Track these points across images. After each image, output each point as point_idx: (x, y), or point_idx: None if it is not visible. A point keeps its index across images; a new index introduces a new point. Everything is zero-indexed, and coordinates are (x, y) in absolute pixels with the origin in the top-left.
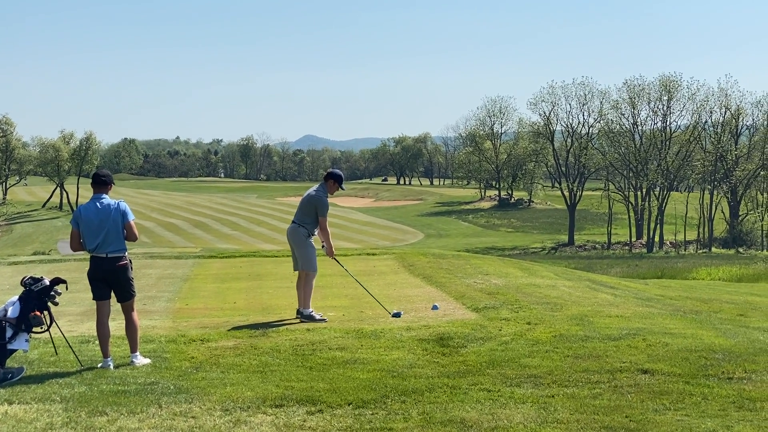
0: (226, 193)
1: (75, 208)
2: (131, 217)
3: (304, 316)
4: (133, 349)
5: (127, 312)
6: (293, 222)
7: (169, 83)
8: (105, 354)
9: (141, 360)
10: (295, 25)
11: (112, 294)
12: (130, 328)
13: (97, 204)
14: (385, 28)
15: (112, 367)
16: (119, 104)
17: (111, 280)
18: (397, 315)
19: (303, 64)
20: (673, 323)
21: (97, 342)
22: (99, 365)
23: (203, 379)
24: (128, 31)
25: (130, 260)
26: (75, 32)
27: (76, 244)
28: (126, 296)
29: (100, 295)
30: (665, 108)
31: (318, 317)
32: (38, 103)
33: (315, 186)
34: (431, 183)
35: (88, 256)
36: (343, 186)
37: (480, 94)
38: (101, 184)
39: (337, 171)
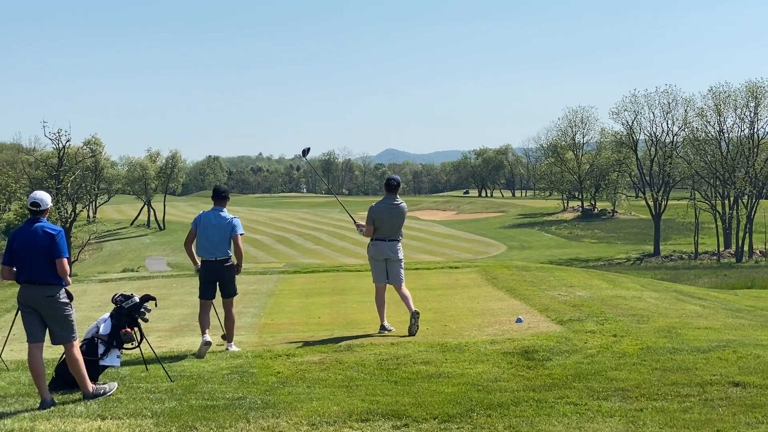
0: (308, 209)
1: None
2: (240, 231)
3: (415, 318)
4: (230, 339)
5: (228, 307)
6: (393, 240)
7: (253, 100)
8: (204, 333)
9: (234, 348)
10: (377, 42)
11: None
12: (229, 320)
13: (218, 213)
14: (467, 41)
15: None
16: (204, 122)
17: (219, 279)
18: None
19: (386, 78)
20: (765, 335)
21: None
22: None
23: (289, 394)
24: (214, 52)
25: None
26: (158, 53)
27: (189, 243)
28: (230, 292)
29: (206, 294)
30: (752, 114)
31: (389, 328)
32: (125, 122)
33: (394, 198)
34: (513, 195)
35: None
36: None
37: (561, 105)
38: (221, 198)
39: (394, 179)
